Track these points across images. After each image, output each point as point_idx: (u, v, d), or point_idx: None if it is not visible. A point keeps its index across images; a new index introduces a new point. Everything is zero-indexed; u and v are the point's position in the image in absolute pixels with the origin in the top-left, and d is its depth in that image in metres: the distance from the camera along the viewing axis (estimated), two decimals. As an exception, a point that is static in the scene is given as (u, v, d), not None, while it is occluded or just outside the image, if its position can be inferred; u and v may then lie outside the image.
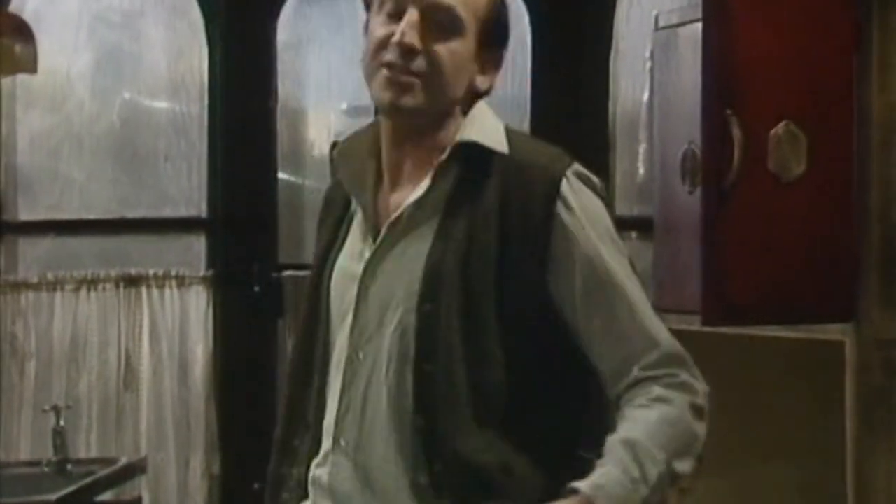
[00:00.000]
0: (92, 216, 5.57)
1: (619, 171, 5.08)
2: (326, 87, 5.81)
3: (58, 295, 5.40)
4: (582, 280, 2.15)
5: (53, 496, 4.28)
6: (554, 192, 2.15)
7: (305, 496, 2.25)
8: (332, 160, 2.32)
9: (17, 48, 4.90)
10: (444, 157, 2.19)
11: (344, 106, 5.83)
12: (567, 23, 5.21)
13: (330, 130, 5.84)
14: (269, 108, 5.62)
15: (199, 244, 5.64)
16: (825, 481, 3.71)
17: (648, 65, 4.26)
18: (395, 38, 2.18)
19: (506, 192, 2.16)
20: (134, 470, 4.94)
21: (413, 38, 2.17)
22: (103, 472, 4.70)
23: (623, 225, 2.27)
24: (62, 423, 4.78)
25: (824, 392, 3.71)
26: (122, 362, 5.43)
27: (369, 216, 2.25)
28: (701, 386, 2.17)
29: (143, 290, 5.46)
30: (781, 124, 3.52)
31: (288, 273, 5.54)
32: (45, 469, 4.69)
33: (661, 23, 3.92)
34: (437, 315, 2.13)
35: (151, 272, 5.48)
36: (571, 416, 2.20)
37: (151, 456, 5.29)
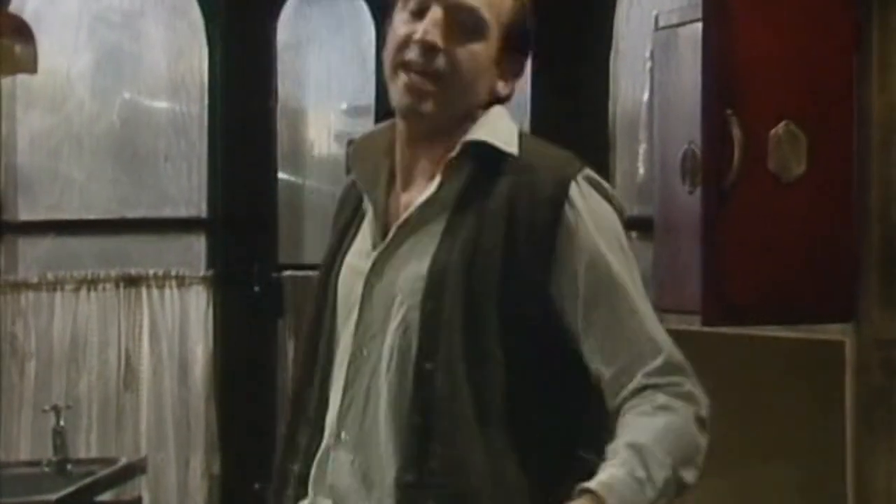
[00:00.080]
0: (92, 216, 5.57)
1: (619, 171, 5.08)
2: (326, 87, 5.81)
3: (58, 295, 5.40)
4: (585, 284, 2.14)
5: (53, 496, 4.28)
6: (562, 195, 2.15)
7: (307, 492, 2.25)
8: (347, 157, 2.32)
9: (17, 48, 4.90)
10: (452, 154, 2.19)
11: (344, 106, 5.84)
12: (567, 23, 5.21)
13: (330, 130, 5.85)
14: (269, 108, 5.62)
15: (199, 244, 5.64)
16: (825, 481, 3.71)
17: (648, 65, 4.26)
18: (417, 35, 2.18)
19: (514, 193, 2.16)
20: (134, 470, 4.94)
21: (435, 37, 2.17)
22: (103, 472, 4.70)
23: (623, 225, 2.26)
24: (62, 423, 4.79)
25: (824, 392, 3.71)
26: (122, 362, 5.43)
27: (379, 214, 2.25)
28: (703, 397, 2.15)
29: (143, 290, 5.46)
30: (781, 124, 3.52)
31: (288, 273, 5.55)
32: (45, 469, 4.69)
33: (661, 23, 3.91)
34: (440, 313, 2.13)
35: (151, 272, 5.48)
36: (571, 416, 2.19)
37: (151, 456, 5.29)
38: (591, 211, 2.16)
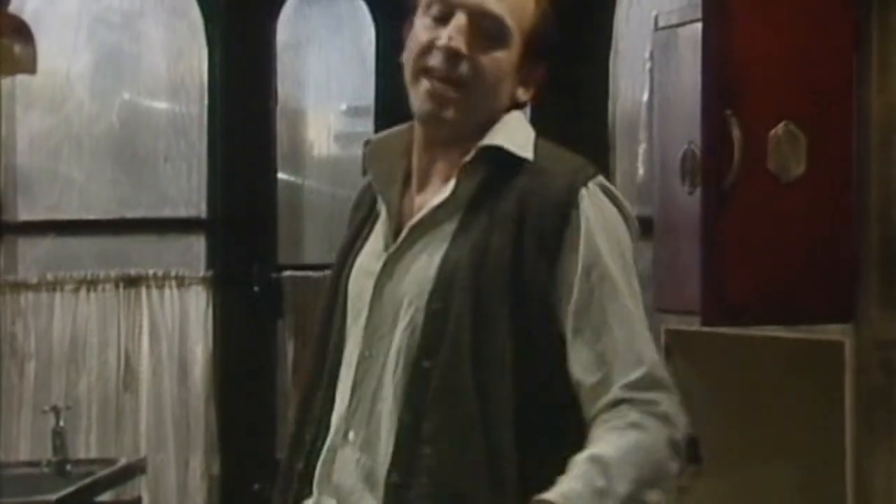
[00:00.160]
0: (91, 217, 5.57)
1: (618, 171, 5.08)
2: (326, 87, 5.81)
3: (57, 295, 5.40)
4: (579, 289, 2.13)
5: (53, 497, 4.28)
6: (571, 200, 2.15)
7: (312, 490, 2.25)
8: (363, 158, 2.31)
9: (17, 49, 4.90)
10: (467, 158, 2.19)
11: (343, 106, 5.84)
12: (567, 23, 5.20)
13: (329, 131, 5.85)
14: (268, 108, 5.62)
15: (198, 244, 5.64)
16: (825, 481, 3.71)
17: (648, 65, 4.25)
18: (442, 41, 2.17)
19: (525, 196, 2.15)
20: (133, 470, 4.94)
21: (459, 43, 2.17)
22: (103, 472, 4.70)
23: (635, 234, 2.25)
24: (62, 423, 4.79)
25: (824, 392, 3.71)
26: (122, 363, 5.43)
27: (393, 216, 2.25)
28: (682, 419, 2.12)
29: (143, 290, 5.46)
30: (781, 124, 3.52)
31: (287, 273, 5.55)
32: (45, 469, 4.69)
33: (661, 23, 3.91)
34: (447, 314, 2.13)
35: (151, 272, 5.48)
36: (576, 422, 2.16)
37: (151, 456, 5.29)
38: (597, 217, 2.16)
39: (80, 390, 5.38)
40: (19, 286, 5.39)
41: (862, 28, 3.57)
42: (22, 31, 4.94)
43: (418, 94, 2.20)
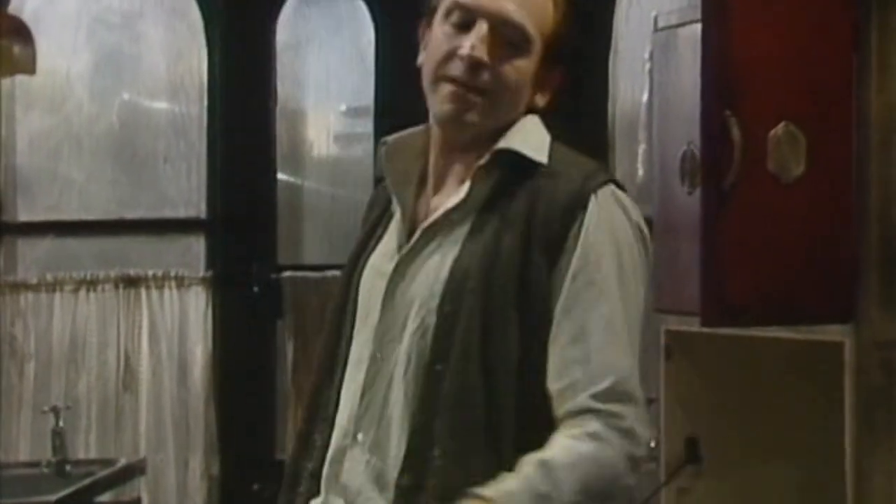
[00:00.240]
0: (91, 217, 5.57)
1: (618, 171, 5.07)
2: (325, 87, 5.81)
3: (57, 296, 5.40)
4: (567, 291, 2.12)
5: (53, 497, 4.28)
6: (580, 204, 2.14)
7: (320, 490, 2.25)
8: (378, 157, 2.31)
9: (16, 49, 4.90)
10: (482, 162, 2.19)
11: (343, 107, 5.84)
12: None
13: (329, 131, 5.85)
14: (268, 108, 5.62)
15: (198, 245, 5.64)
16: (825, 481, 3.71)
17: (648, 65, 4.25)
18: (464, 50, 2.16)
19: (536, 199, 2.15)
20: (133, 471, 4.94)
21: (482, 52, 2.16)
22: (102, 473, 4.70)
23: (644, 243, 2.24)
24: (61, 423, 4.79)
25: (824, 392, 3.71)
26: (122, 363, 5.43)
27: (407, 217, 2.25)
28: (645, 435, 2.10)
29: (143, 290, 5.46)
30: (781, 125, 3.52)
31: (287, 274, 5.55)
32: (45, 470, 4.69)
33: (661, 24, 3.91)
34: (457, 317, 2.13)
35: (150, 273, 5.48)
36: None
37: (150, 457, 5.29)
38: (599, 222, 2.15)
39: (79, 391, 5.38)
40: (19, 286, 5.39)
41: (861, 28, 3.57)
42: (21, 32, 4.94)
43: (439, 97, 2.19)
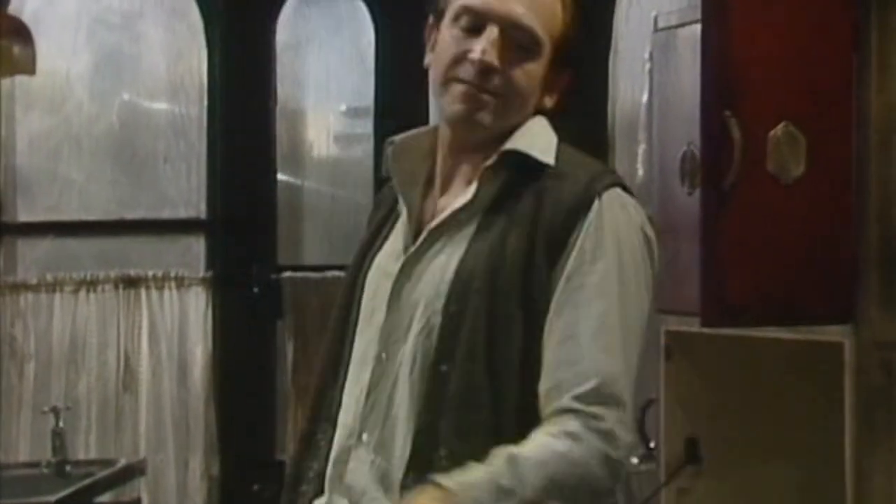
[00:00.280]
0: (91, 217, 5.57)
1: (618, 172, 5.07)
2: (325, 88, 5.81)
3: (57, 296, 5.40)
4: (562, 289, 2.13)
5: (52, 498, 4.28)
6: (584, 206, 2.15)
7: (324, 490, 2.25)
8: (385, 157, 2.31)
9: (16, 49, 4.90)
10: (489, 163, 2.19)
11: (343, 107, 5.84)
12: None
13: (329, 131, 5.85)
14: (268, 109, 5.62)
15: (198, 245, 5.64)
16: (825, 481, 3.71)
17: (648, 66, 4.25)
18: (475, 55, 2.17)
19: (542, 200, 2.15)
20: (133, 471, 4.94)
21: (492, 57, 2.16)
22: (102, 473, 4.70)
23: (650, 247, 2.23)
24: (61, 424, 4.79)
25: (824, 392, 3.71)
26: (122, 364, 5.43)
27: (413, 217, 2.25)
28: (626, 438, 2.10)
29: (143, 291, 5.46)
30: (780, 125, 3.52)
31: (287, 274, 5.55)
32: (44, 470, 4.69)
33: (661, 24, 3.91)
34: (463, 317, 2.13)
35: (150, 273, 5.48)
36: None
37: (150, 457, 5.29)
38: (600, 225, 2.15)
39: (79, 391, 5.38)
40: (19, 287, 5.39)
41: (861, 28, 3.57)
42: (21, 32, 4.94)
43: (451, 97, 2.19)
